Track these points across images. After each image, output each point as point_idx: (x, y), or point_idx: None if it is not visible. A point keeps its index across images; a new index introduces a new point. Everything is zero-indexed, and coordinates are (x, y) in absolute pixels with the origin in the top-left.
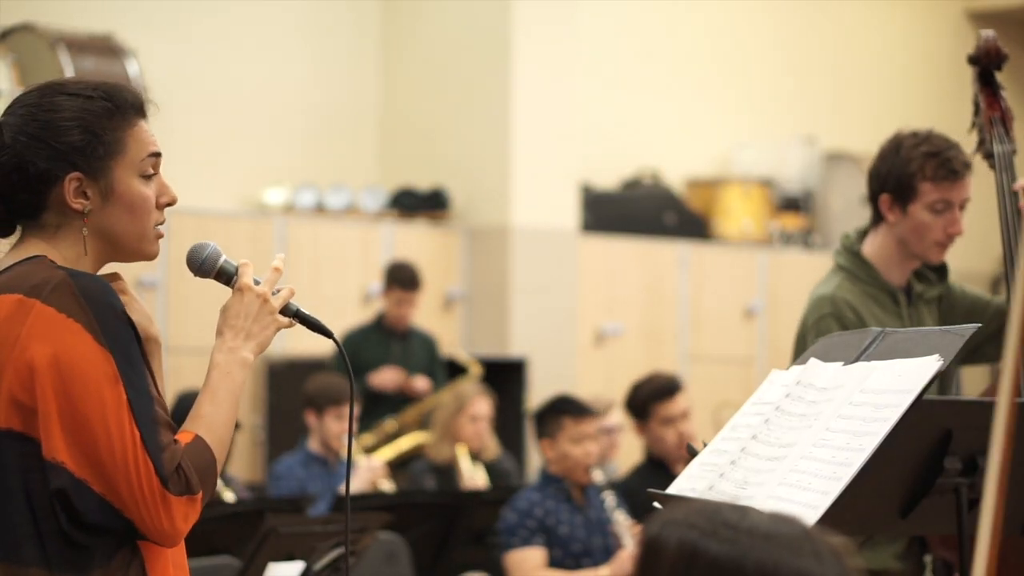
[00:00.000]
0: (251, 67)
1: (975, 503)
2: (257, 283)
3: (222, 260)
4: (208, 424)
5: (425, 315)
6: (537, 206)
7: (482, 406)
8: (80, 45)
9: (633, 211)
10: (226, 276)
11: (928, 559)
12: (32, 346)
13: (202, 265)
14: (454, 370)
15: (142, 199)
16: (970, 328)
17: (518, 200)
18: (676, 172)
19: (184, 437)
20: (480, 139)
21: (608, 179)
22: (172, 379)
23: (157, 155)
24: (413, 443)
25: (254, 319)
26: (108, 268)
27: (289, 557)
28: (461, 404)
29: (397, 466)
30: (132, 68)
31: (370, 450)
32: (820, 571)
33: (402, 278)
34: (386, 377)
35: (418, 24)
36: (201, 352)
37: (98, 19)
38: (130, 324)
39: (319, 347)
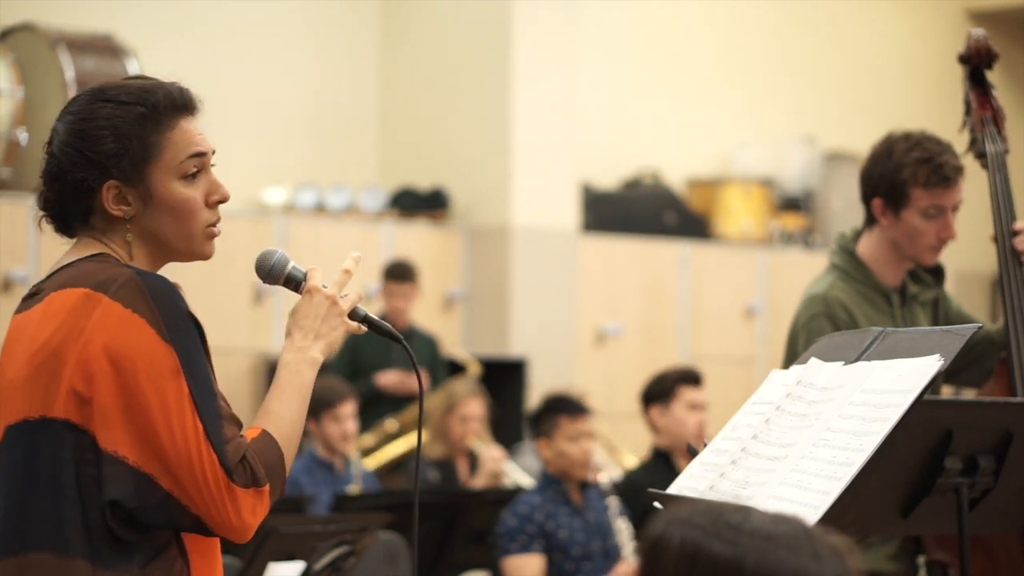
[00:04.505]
0: (251, 67)
1: (975, 503)
2: (325, 286)
3: (290, 267)
4: (276, 420)
5: (425, 315)
6: (537, 206)
7: (474, 407)
8: (80, 45)
9: (633, 211)
10: (294, 282)
11: (922, 560)
12: (97, 340)
13: (270, 271)
14: (455, 370)
15: (183, 201)
16: (971, 328)
17: (518, 200)
18: (676, 172)
19: (251, 432)
20: (480, 139)
21: (608, 179)
22: None
23: (201, 154)
24: (411, 444)
25: (323, 320)
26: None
27: (289, 557)
28: (452, 404)
29: (396, 466)
30: (132, 68)
31: (369, 451)
32: (819, 571)
33: (391, 270)
34: (390, 379)
35: (418, 24)
36: None
37: (98, 19)
38: (195, 322)
39: None
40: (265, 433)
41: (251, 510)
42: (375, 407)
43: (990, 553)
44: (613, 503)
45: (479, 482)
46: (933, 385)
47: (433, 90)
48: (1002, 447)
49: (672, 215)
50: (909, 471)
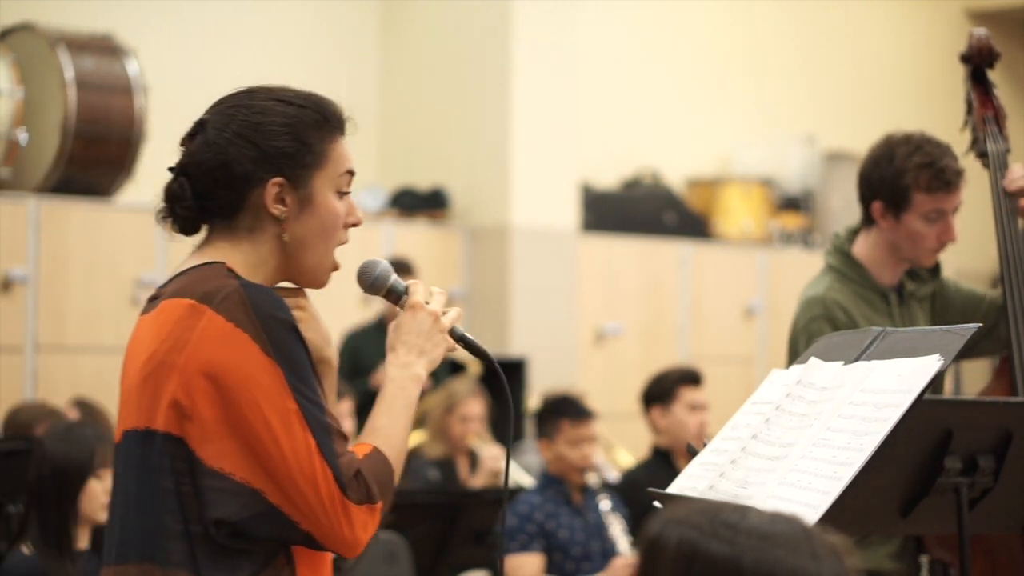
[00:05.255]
0: (251, 67)
1: (975, 503)
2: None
3: (392, 279)
4: (385, 436)
5: None
6: (537, 206)
7: (474, 407)
8: (80, 45)
9: (633, 211)
10: (395, 295)
11: (924, 559)
12: (200, 353)
13: (373, 283)
14: (455, 369)
15: (334, 214)
16: (971, 328)
17: (518, 200)
18: (676, 172)
19: (361, 449)
20: (480, 139)
21: (608, 179)
22: None
23: (352, 173)
24: (411, 442)
25: (426, 337)
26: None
27: None
28: (452, 403)
29: None
30: (132, 68)
31: None
32: (817, 570)
33: (393, 267)
34: None
35: (418, 24)
36: None
37: (98, 19)
38: (299, 336)
39: None
40: (376, 450)
41: (363, 526)
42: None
43: (990, 553)
44: (604, 502)
45: (479, 482)
46: (933, 384)
47: (433, 90)
48: (1002, 447)
49: (672, 215)
50: (909, 471)
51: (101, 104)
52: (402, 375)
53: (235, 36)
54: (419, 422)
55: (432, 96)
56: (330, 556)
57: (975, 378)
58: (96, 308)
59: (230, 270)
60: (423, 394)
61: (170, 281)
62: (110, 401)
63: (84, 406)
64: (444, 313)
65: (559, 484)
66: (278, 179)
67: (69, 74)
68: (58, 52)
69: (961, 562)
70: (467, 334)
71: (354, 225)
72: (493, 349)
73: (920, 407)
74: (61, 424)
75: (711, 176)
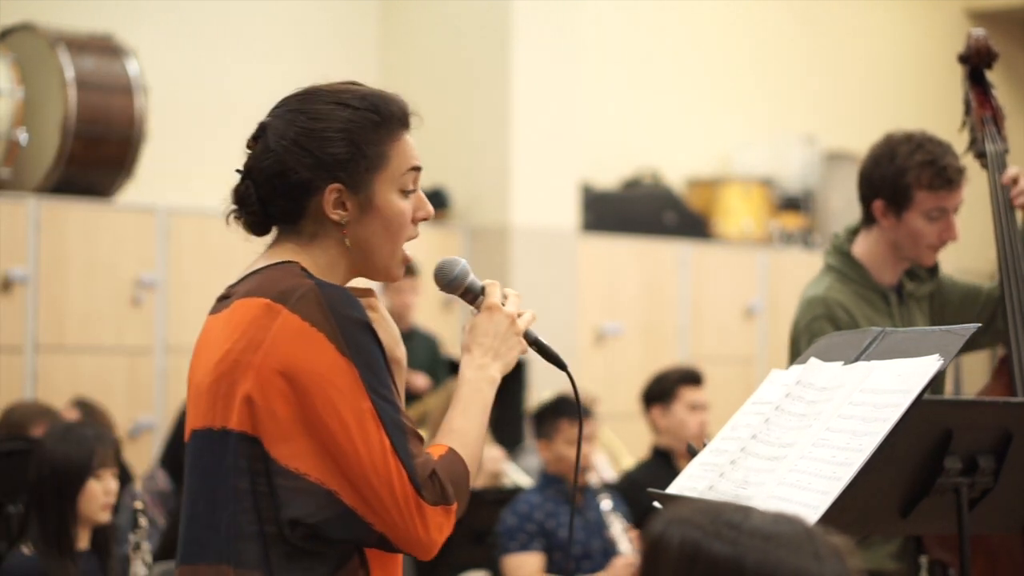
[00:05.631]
0: (251, 67)
1: (975, 503)
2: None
3: (470, 279)
4: (461, 438)
5: (425, 315)
6: (537, 206)
7: None
8: (80, 45)
9: (633, 211)
10: (472, 294)
11: (924, 560)
12: (275, 354)
13: (451, 282)
14: (455, 370)
15: (399, 214)
16: (970, 328)
17: (518, 200)
18: (676, 172)
19: (437, 450)
20: (480, 139)
21: (608, 179)
22: (172, 380)
23: (417, 169)
24: None
25: (502, 339)
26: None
27: None
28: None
29: None
30: (132, 68)
31: None
32: (820, 571)
33: None
34: None
35: (417, 24)
36: None
37: (98, 19)
38: (374, 335)
39: None
40: (452, 451)
41: (438, 528)
42: None
43: (990, 553)
44: (605, 501)
45: (479, 482)
46: (933, 384)
47: (433, 90)
48: (1002, 447)
49: (672, 215)
50: (909, 471)
51: (101, 104)
52: (478, 377)
53: (235, 36)
54: (419, 422)
55: (432, 96)
56: (400, 558)
57: (975, 378)
58: (96, 308)
59: (303, 269)
60: (423, 394)
61: (241, 281)
62: (110, 401)
63: (84, 406)
64: (519, 316)
65: (558, 484)
66: (336, 185)
67: (69, 74)
68: (58, 52)
69: (961, 562)
70: (541, 338)
71: (424, 219)
72: None
73: (920, 407)
74: (61, 424)
75: (711, 176)
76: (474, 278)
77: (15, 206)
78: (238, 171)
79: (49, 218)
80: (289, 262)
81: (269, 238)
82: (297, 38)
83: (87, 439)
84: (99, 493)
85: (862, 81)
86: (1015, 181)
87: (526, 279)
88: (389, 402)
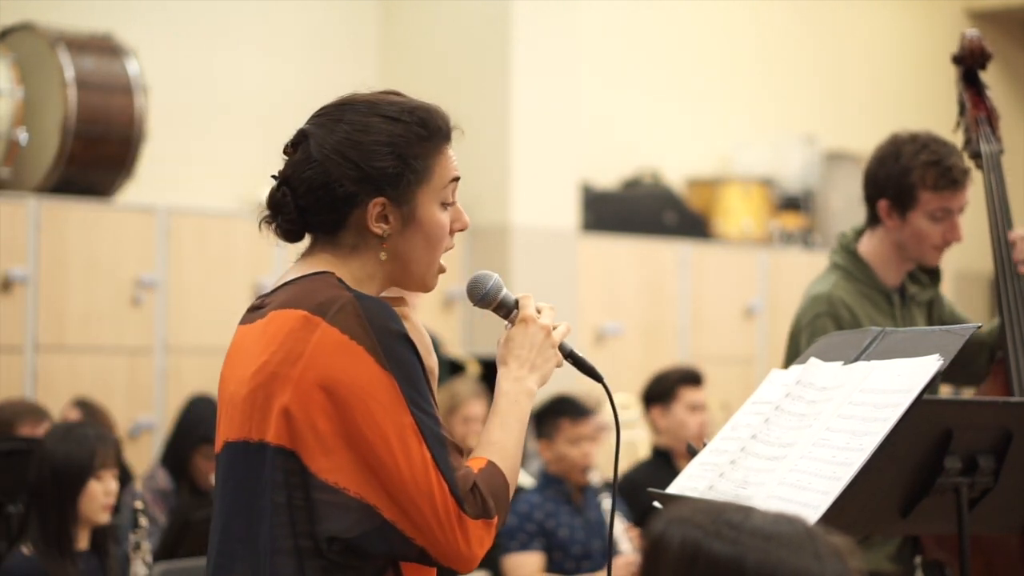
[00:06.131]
0: (251, 66)
1: (975, 503)
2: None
3: (503, 293)
4: (500, 450)
5: (425, 315)
6: (537, 206)
7: (476, 407)
8: (80, 45)
9: (633, 211)
10: (505, 309)
11: (918, 560)
12: (314, 367)
13: (484, 297)
14: (454, 370)
15: (440, 226)
16: (970, 328)
17: (518, 200)
18: (676, 172)
19: (476, 463)
20: (480, 139)
21: (608, 179)
22: (172, 380)
23: (457, 179)
24: None
25: (538, 351)
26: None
27: None
28: (454, 404)
29: None
30: (132, 68)
31: None
32: (820, 571)
33: None
34: None
35: (417, 24)
36: (201, 352)
37: (98, 19)
38: (412, 347)
39: None
40: (491, 464)
41: (479, 541)
42: None
43: (988, 553)
44: (605, 501)
45: None
46: (932, 384)
47: (432, 91)
48: (1002, 447)
49: (672, 215)
50: (909, 471)
51: (101, 104)
52: (515, 389)
53: (235, 36)
54: None
55: (431, 97)
56: (435, 572)
57: None
58: (96, 308)
59: (340, 280)
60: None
61: (275, 291)
62: (110, 401)
63: (84, 406)
64: (555, 328)
65: (559, 483)
66: (380, 199)
67: (69, 74)
68: (58, 52)
69: (961, 563)
70: (576, 350)
71: (461, 230)
72: (493, 349)
73: (920, 407)
74: (62, 424)
75: (711, 176)
76: (507, 292)
77: (15, 206)
78: (273, 177)
79: (49, 218)
80: (326, 272)
81: (270, 239)
82: (297, 38)
83: (88, 439)
84: (100, 493)
85: (862, 81)
86: (1014, 244)
87: (526, 279)
88: (429, 415)
